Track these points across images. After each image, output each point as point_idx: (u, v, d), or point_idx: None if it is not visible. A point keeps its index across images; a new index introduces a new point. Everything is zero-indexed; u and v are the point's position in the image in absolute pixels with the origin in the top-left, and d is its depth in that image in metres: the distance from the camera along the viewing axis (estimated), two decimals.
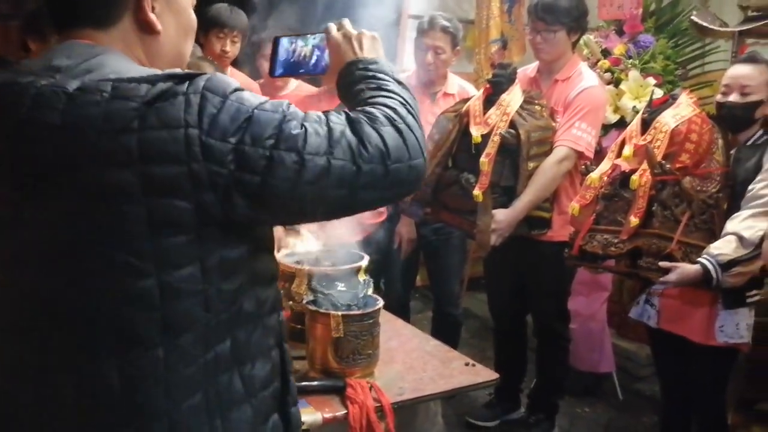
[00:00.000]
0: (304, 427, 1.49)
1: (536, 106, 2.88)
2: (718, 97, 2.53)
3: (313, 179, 0.99)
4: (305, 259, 2.16)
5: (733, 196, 2.43)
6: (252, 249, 1.06)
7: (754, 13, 3.39)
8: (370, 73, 1.19)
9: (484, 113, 2.84)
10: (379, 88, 1.16)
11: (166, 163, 0.94)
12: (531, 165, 2.81)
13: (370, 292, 2.02)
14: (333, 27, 1.30)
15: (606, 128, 3.45)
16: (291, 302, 2.02)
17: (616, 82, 3.55)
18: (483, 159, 2.74)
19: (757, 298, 2.30)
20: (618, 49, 3.62)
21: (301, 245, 2.27)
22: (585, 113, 2.87)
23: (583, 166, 2.74)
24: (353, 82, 1.20)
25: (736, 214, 2.33)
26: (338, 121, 1.04)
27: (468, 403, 3.49)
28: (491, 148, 2.75)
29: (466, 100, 3.01)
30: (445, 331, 3.46)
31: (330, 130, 1.02)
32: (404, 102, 1.13)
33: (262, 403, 1.11)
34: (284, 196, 0.99)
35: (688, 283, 2.33)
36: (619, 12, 3.67)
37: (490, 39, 4.67)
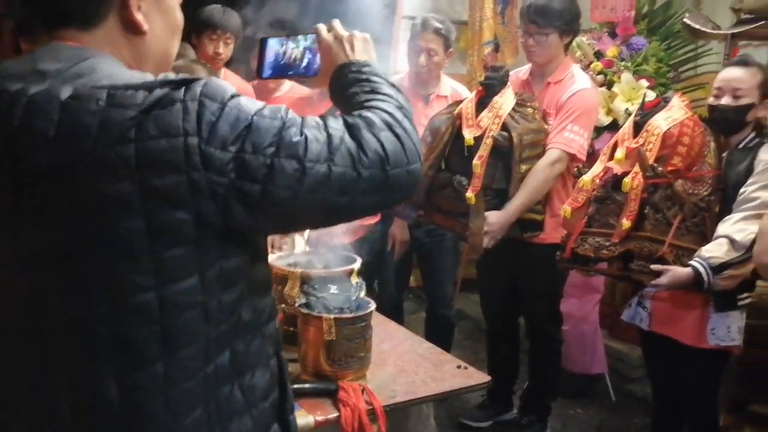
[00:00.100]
0: None
1: (528, 109, 2.88)
2: (710, 100, 2.53)
3: (314, 186, 0.98)
4: (298, 262, 2.16)
5: (725, 199, 2.43)
6: (250, 258, 1.05)
7: (747, 16, 3.41)
8: (364, 76, 1.18)
9: (477, 116, 2.84)
10: (374, 91, 1.14)
11: (165, 172, 0.92)
12: (523, 167, 2.80)
13: (362, 294, 2.01)
14: (323, 28, 1.27)
15: (598, 131, 3.45)
16: (283, 305, 2.01)
17: (609, 85, 3.55)
18: (475, 161, 2.74)
19: (748, 300, 2.30)
20: (610, 51, 3.62)
21: (290, 247, 2.26)
22: (577, 116, 2.87)
23: (576, 169, 2.74)
24: (346, 85, 1.19)
25: (727, 217, 2.34)
26: (337, 127, 1.03)
27: (460, 404, 3.48)
28: (484, 151, 2.75)
29: (459, 102, 3.01)
30: (439, 332, 3.47)
31: (329, 136, 1.00)
32: (400, 105, 1.12)
33: (261, 414, 1.10)
34: (285, 204, 0.98)
35: (679, 286, 2.34)
36: (611, 14, 3.68)
37: (483, 41, 4.68)
